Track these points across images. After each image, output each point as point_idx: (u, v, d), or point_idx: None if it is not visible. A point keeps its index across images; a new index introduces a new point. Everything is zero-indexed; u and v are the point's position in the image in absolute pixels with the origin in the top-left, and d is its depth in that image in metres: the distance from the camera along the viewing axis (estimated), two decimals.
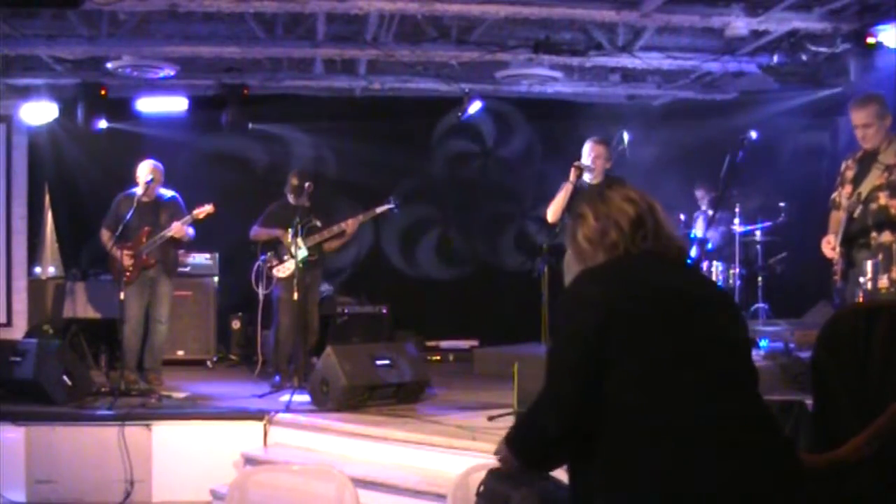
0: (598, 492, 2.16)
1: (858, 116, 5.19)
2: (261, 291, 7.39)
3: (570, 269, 2.51)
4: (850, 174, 5.29)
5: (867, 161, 5.19)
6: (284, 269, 7.22)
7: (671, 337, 2.19)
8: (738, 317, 2.42)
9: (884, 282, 4.97)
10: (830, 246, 5.28)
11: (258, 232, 7.43)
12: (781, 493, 2.12)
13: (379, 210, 7.52)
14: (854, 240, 5.19)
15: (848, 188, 5.26)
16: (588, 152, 6.55)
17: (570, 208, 6.44)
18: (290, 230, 7.09)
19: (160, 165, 7.29)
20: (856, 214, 5.17)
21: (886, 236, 5.04)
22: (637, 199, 2.45)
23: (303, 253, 7.13)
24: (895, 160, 5.08)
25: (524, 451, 2.38)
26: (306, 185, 7.22)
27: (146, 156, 7.45)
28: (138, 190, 7.15)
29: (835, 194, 5.40)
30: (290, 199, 7.35)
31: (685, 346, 2.19)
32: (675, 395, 2.13)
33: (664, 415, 2.11)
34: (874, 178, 5.11)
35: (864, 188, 5.14)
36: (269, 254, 7.32)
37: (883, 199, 5.05)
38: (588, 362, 2.18)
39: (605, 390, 2.16)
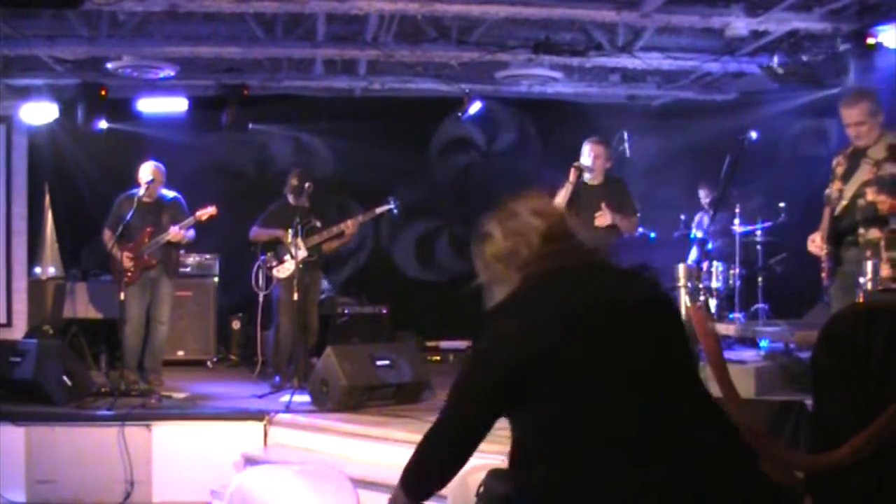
0: None
1: (850, 114, 5.11)
2: (261, 292, 7.40)
3: (493, 293, 2.37)
4: (840, 170, 5.24)
5: (857, 157, 5.14)
6: (284, 270, 7.22)
7: (602, 356, 2.07)
8: (671, 315, 2.30)
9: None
10: (816, 244, 5.24)
11: (258, 232, 7.43)
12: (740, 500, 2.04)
13: (378, 210, 7.51)
14: (842, 237, 5.14)
15: (838, 184, 5.22)
16: (587, 152, 6.57)
17: (570, 208, 6.46)
18: (289, 231, 7.10)
19: (162, 166, 7.29)
20: (837, 211, 5.11)
21: (874, 233, 4.99)
22: (546, 211, 2.30)
23: (302, 253, 7.13)
24: (884, 155, 5.01)
25: (419, 488, 2.27)
26: (306, 185, 7.23)
27: (147, 156, 7.45)
28: (140, 191, 7.16)
29: (828, 190, 5.36)
30: (290, 199, 7.36)
31: (619, 363, 2.06)
32: (615, 418, 2.02)
33: (605, 439, 2.01)
34: (863, 173, 5.05)
35: (852, 184, 5.08)
36: (268, 254, 7.33)
37: (871, 194, 4.98)
38: (495, 405, 2.11)
39: (540, 421, 2.07)
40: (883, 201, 4.94)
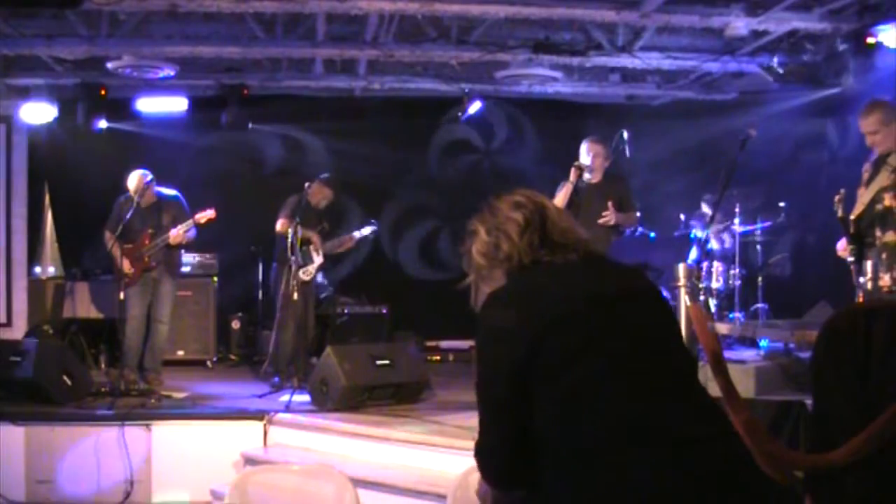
0: None
1: (864, 124, 5.32)
2: (293, 293, 7.36)
3: (480, 291, 2.36)
4: (866, 177, 5.40)
5: (879, 164, 5.31)
6: (307, 273, 7.25)
7: (594, 349, 2.05)
8: (659, 306, 2.26)
9: (885, 280, 5.01)
10: (844, 249, 5.39)
11: (285, 223, 7.37)
12: (733, 491, 2.01)
13: (358, 235, 7.86)
14: (862, 239, 5.26)
15: (862, 190, 5.36)
16: (586, 151, 6.58)
17: (569, 207, 6.46)
18: (289, 230, 7.11)
19: (147, 174, 7.23)
20: (854, 215, 5.24)
21: (890, 236, 5.10)
22: (524, 202, 2.29)
23: (319, 260, 7.36)
24: None
25: (496, 484, 2.29)
26: (312, 189, 7.32)
27: (145, 156, 7.45)
28: (134, 197, 7.15)
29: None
30: (310, 199, 7.33)
31: (609, 356, 2.05)
32: (606, 412, 2.00)
33: (596, 433, 1.99)
34: (882, 179, 5.21)
35: (871, 189, 5.23)
36: (296, 255, 7.31)
37: (888, 200, 5.10)
38: (515, 400, 2.07)
39: (534, 416, 2.05)
40: None
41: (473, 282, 2.36)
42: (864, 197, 5.26)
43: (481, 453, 2.22)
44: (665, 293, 7.63)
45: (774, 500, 2.13)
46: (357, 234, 7.86)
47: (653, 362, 2.09)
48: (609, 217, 6.43)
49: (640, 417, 2.00)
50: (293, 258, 7.20)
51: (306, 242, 7.26)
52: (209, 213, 7.21)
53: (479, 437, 2.21)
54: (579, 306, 2.11)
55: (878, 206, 5.17)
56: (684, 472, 1.96)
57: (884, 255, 5.07)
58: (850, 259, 5.27)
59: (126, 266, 7.04)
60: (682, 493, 1.95)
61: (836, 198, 5.37)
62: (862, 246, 5.25)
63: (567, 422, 2.02)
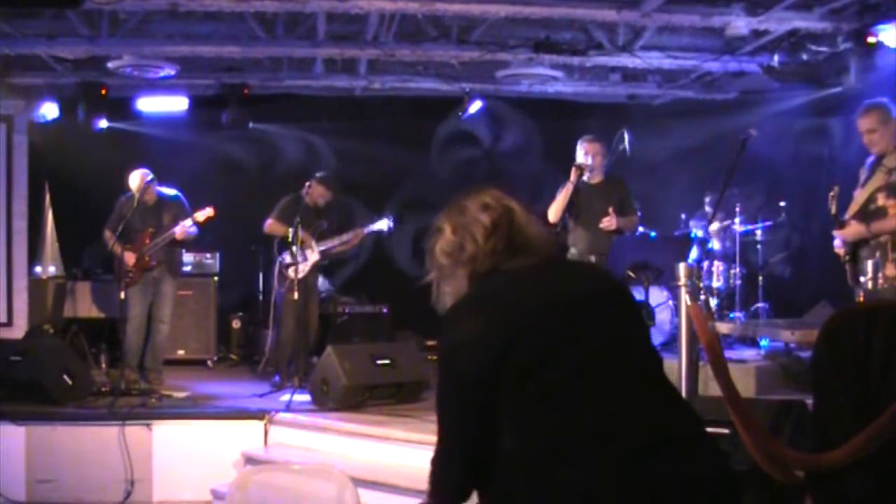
0: None
1: (862, 123, 5.38)
2: (283, 291, 7.35)
3: (441, 290, 2.35)
4: (862, 178, 5.44)
5: (875, 165, 5.37)
6: (300, 271, 7.23)
7: (559, 355, 2.03)
8: (625, 306, 2.23)
9: (880, 278, 5.06)
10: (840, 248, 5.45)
11: (273, 225, 7.38)
12: (703, 491, 2.00)
13: (375, 227, 7.70)
14: (857, 239, 5.30)
15: (858, 191, 5.42)
16: (584, 152, 6.58)
17: (570, 207, 6.47)
18: (289, 230, 7.10)
19: (148, 173, 7.25)
20: (848, 214, 5.34)
21: (884, 236, 5.13)
22: (493, 204, 2.26)
23: (315, 257, 7.30)
24: None
25: (447, 496, 2.27)
26: (312, 189, 7.28)
27: (146, 156, 7.44)
28: (136, 196, 7.16)
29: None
30: (305, 197, 7.31)
31: (575, 361, 2.03)
32: (575, 417, 1.98)
33: (565, 438, 1.97)
34: (877, 180, 5.27)
35: (866, 189, 5.29)
36: (287, 254, 7.31)
37: (881, 199, 5.17)
38: (477, 412, 2.04)
39: (498, 427, 2.02)
40: (892, 205, 5.12)
41: (435, 280, 2.36)
42: (859, 197, 5.32)
43: (438, 464, 2.20)
44: (664, 292, 7.62)
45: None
46: (373, 227, 7.69)
47: (620, 364, 2.07)
48: (610, 223, 6.44)
49: (610, 420, 1.99)
50: (281, 257, 7.23)
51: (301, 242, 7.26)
52: (208, 212, 7.22)
53: (437, 448, 2.18)
54: (542, 313, 2.08)
55: (872, 206, 5.22)
56: (654, 473, 1.95)
57: (877, 254, 5.13)
58: (846, 258, 5.32)
59: (129, 258, 7.05)
60: (652, 494, 1.94)
61: (830, 194, 5.42)
62: (855, 246, 5.30)
63: (536, 429, 2.00)
